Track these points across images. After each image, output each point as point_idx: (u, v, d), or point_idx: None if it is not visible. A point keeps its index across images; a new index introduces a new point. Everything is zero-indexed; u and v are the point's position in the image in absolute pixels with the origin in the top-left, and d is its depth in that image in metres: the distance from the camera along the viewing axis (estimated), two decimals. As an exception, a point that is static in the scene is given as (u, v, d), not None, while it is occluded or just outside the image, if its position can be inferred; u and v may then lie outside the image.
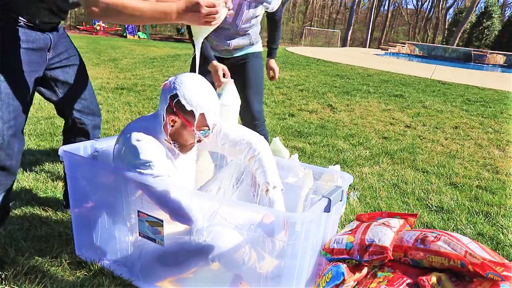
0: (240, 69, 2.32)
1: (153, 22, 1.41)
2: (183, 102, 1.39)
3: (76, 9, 1.62)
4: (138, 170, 1.36)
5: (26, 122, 3.07)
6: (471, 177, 2.93)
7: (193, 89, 1.41)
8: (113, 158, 1.49)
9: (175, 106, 1.41)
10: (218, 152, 1.73)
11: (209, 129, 1.45)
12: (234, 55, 2.34)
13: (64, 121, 1.85)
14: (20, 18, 1.45)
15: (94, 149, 1.72)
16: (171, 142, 1.48)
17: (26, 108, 1.55)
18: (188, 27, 1.91)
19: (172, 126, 1.44)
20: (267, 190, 1.50)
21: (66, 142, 1.85)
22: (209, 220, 1.39)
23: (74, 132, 1.83)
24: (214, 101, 1.45)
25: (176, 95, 1.40)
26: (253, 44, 2.34)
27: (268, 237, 1.31)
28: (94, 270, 1.57)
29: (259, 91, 2.37)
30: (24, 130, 3.40)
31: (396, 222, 1.54)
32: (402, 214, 1.65)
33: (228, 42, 2.25)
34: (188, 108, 1.39)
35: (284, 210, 1.49)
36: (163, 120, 1.45)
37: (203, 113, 1.41)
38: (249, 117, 2.33)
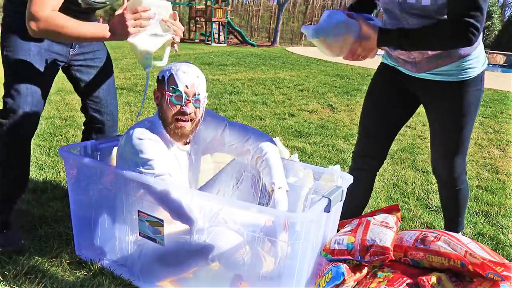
0: None
1: (90, 41, 1.61)
2: (159, 74, 1.49)
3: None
4: (139, 169, 1.36)
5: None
6: (471, 177, 2.93)
7: (166, 63, 1.52)
8: (117, 158, 1.50)
9: (157, 83, 1.50)
10: (225, 153, 1.72)
11: (178, 88, 1.43)
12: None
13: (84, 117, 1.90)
14: None
15: (94, 149, 1.72)
16: (162, 124, 1.49)
17: (44, 90, 1.61)
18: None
19: (158, 104, 1.50)
20: (272, 190, 1.51)
21: (83, 137, 1.94)
22: (209, 220, 1.39)
23: (90, 129, 1.90)
24: (186, 66, 1.47)
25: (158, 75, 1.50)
26: None
27: (269, 238, 1.31)
28: (94, 270, 1.57)
29: None
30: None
31: (392, 221, 1.54)
32: (384, 209, 1.65)
33: None
34: (160, 75, 1.48)
35: (296, 207, 1.49)
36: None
37: (171, 74, 1.45)
38: None
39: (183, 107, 1.44)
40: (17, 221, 1.80)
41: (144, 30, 1.43)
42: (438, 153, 1.67)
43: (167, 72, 1.46)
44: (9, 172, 1.64)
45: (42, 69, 1.58)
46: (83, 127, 1.94)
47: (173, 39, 1.53)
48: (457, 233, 1.81)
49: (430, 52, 1.46)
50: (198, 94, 1.46)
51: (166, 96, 1.43)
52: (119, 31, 1.40)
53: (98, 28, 1.41)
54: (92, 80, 1.79)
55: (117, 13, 1.41)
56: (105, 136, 1.88)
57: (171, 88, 1.43)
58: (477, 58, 1.49)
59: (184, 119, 1.45)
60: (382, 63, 1.72)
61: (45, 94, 1.62)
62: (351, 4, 1.64)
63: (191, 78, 1.44)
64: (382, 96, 1.69)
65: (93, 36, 1.43)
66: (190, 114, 1.45)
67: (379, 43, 1.37)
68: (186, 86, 1.43)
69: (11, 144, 1.59)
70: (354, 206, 1.79)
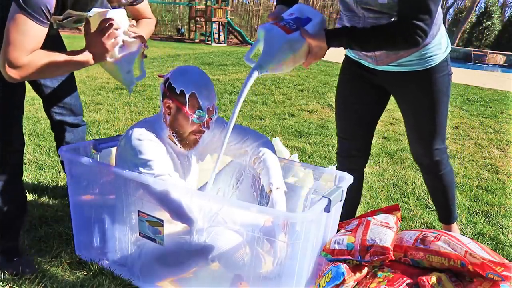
0: None
1: (73, 70, 1.51)
2: (173, 84, 1.43)
3: None
4: (139, 169, 1.36)
5: (26, 123, 3.05)
6: (471, 177, 2.93)
7: (184, 71, 1.47)
8: (116, 158, 1.50)
9: (168, 90, 1.45)
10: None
11: (203, 111, 1.44)
12: None
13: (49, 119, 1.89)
14: None
15: (94, 149, 1.72)
16: (171, 133, 1.48)
17: (19, 98, 1.53)
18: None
19: (169, 114, 1.46)
20: (270, 190, 1.51)
21: (55, 140, 1.93)
22: (209, 220, 1.39)
23: (58, 129, 1.89)
24: (205, 84, 1.46)
25: (168, 79, 1.45)
26: None
27: (268, 238, 1.31)
28: (94, 270, 1.57)
29: None
30: (24, 130, 3.38)
31: (392, 221, 1.54)
32: (384, 209, 1.65)
33: None
34: (178, 88, 1.42)
35: (296, 207, 1.49)
36: (162, 110, 1.48)
37: (193, 92, 1.42)
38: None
39: (203, 126, 1.47)
40: (26, 248, 1.72)
41: (118, 43, 1.40)
42: (415, 141, 1.68)
43: (186, 88, 1.42)
44: (2, 198, 1.53)
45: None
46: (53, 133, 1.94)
47: (143, 47, 1.49)
48: (452, 224, 1.84)
49: None
50: (216, 112, 1.49)
51: (187, 115, 1.43)
52: (99, 50, 1.35)
53: (80, 57, 1.35)
54: (55, 81, 1.75)
55: (85, 35, 1.36)
56: (74, 133, 1.90)
57: (196, 111, 1.43)
58: (438, 45, 1.49)
59: (200, 134, 1.49)
60: (346, 56, 1.71)
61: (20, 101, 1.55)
62: None
63: (212, 99, 1.47)
64: (352, 96, 1.69)
65: (77, 66, 1.37)
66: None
67: (329, 46, 1.33)
68: (209, 108, 1.45)
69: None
70: (348, 205, 1.79)
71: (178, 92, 1.42)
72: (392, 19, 1.36)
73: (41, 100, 1.82)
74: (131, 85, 1.51)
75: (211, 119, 1.48)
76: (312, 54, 1.31)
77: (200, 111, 1.43)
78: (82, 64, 1.36)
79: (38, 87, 1.75)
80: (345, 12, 1.49)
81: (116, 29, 1.39)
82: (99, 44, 1.35)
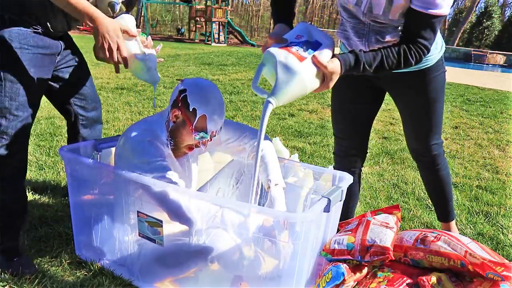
0: None
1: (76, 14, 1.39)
2: (189, 98, 1.42)
3: None
4: (138, 169, 1.36)
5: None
6: (471, 177, 2.93)
7: (202, 90, 1.44)
8: (115, 158, 1.50)
9: (181, 100, 1.44)
10: (220, 151, 1.73)
11: (207, 134, 1.45)
12: None
13: (66, 119, 1.86)
14: (37, 25, 1.48)
15: (94, 149, 1.72)
16: (168, 139, 1.49)
17: (33, 109, 1.56)
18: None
19: (174, 122, 1.47)
20: (269, 187, 1.51)
21: (70, 138, 1.89)
22: (207, 221, 1.39)
23: (78, 127, 1.86)
24: (219, 109, 1.45)
25: (184, 90, 1.44)
26: None
27: (268, 238, 1.31)
28: (94, 270, 1.57)
29: None
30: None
31: (392, 221, 1.54)
32: (384, 209, 1.65)
33: None
34: (192, 105, 1.41)
35: (285, 208, 1.49)
36: (168, 115, 1.48)
37: (204, 115, 1.42)
38: None
39: (201, 144, 1.49)
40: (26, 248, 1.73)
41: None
42: (413, 138, 1.71)
43: (199, 108, 1.41)
44: (3, 197, 1.52)
45: (33, 92, 1.53)
46: (66, 135, 1.92)
47: (157, 50, 1.55)
48: (451, 222, 1.86)
49: None
50: (217, 134, 1.50)
51: (190, 130, 1.44)
52: (112, 27, 1.37)
53: (91, 10, 1.35)
54: (73, 77, 1.75)
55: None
56: (91, 130, 1.88)
57: (200, 133, 1.44)
58: (435, 45, 1.51)
59: (194, 149, 1.52)
60: None
61: (33, 113, 1.57)
62: (276, 14, 1.44)
63: (219, 124, 1.47)
64: (348, 96, 1.70)
65: (82, 13, 1.35)
66: None
67: (343, 74, 1.28)
68: (213, 131, 1.46)
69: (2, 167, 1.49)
70: (347, 205, 1.80)
71: (191, 109, 1.42)
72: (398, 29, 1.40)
73: (41, 100, 1.82)
74: (157, 80, 1.54)
75: (211, 140, 1.50)
76: (326, 82, 1.23)
77: (204, 133, 1.45)
78: (91, 18, 1.35)
79: (58, 81, 1.72)
80: (349, 19, 1.49)
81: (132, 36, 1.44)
82: (113, 29, 1.36)
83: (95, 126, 1.90)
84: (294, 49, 1.19)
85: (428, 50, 1.30)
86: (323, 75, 1.21)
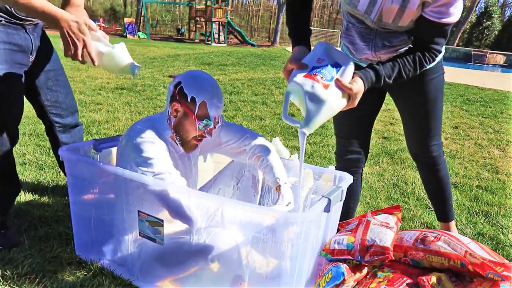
0: None
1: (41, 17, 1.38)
2: (185, 89, 1.43)
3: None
4: (140, 168, 1.37)
5: (26, 123, 3.05)
6: (471, 177, 2.93)
7: (197, 78, 1.47)
8: (117, 157, 1.50)
9: (178, 93, 1.45)
10: (220, 153, 1.73)
11: (210, 121, 1.46)
12: None
13: (43, 123, 1.88)
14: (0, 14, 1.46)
15: (95, 149, 1.72)
16: (174, 135, 1.49)
17: (13, 108, 1.56)
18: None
19: (175, 116, 1.47)
20: (279, 185, 1.51)
21: (51, 142, 1.92)
22: (208, 220, 1.39)
23: (55, 133, 1.88)
24: (216, 94, 1.47)
25: (179, 83, 1.46)
26: None
27: (271, 237, 1.31)
28: (94, 270, 1.57)
29: None
30: (24, 130, 3.38)
31: (393, 221, 1.54)
32: (384, 210, 1.65)
33: None
34: (189, 95, 1.43)
35: (297, 206, 1.51)
36: (168, 111, 1.49)
37: (204, 101, 1.43)
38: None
39: (207, 133, 1.49)
40: (14, 221, 1.81)
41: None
42: (414, 139, 1.73)
43: (198, 96, 1.43)
44: None
45: (11, 86, 1.52)
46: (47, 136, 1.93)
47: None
48: (450, 221, 1.86)
49: (394, 54, 1.47)
50: (220, 121, 1.51)
51: (194, 121, 1.45)
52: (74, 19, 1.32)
53: (55, 10, 1.31)
54: (51, 84, 1.75)
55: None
56: (71, 134, 1.89)
57: (204, 120, 1.44)
58: None
59: (201, 140, 1.52)
60: None
61: (18, 110, 1.57)
62: (296, 34, 1.43)
63: (220, 109, 1.48)
64: None
65: (46, 16, 1.31)
66: None
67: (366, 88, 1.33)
68: (215, 117, 1.47)
69: None
70: (347, 205, 1.79)
71: (189, 99, 1.43)
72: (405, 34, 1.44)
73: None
74: (136, 69, 1.53)
75: (215, 127, 1.50)
76: (352, 101, 1.28)
77: (208, 120, 1.45)
78: (52, 18, 1.31)
79: (33, 90, 1.72)
80: (356, 24, 1.49)
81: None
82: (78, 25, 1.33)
83: (73, 129, 1.92)
84: (319, 76, 1.23)
85: (440, 52, 1.35)
86: (349, 95, 1.26)
